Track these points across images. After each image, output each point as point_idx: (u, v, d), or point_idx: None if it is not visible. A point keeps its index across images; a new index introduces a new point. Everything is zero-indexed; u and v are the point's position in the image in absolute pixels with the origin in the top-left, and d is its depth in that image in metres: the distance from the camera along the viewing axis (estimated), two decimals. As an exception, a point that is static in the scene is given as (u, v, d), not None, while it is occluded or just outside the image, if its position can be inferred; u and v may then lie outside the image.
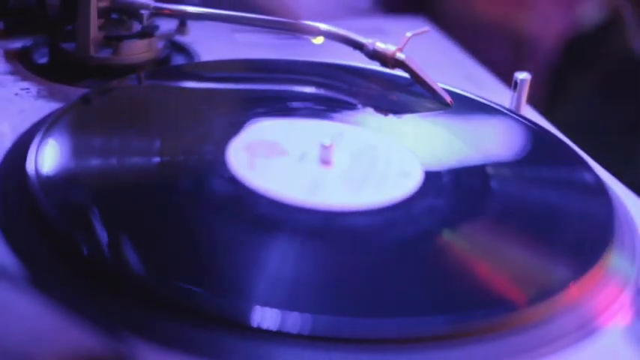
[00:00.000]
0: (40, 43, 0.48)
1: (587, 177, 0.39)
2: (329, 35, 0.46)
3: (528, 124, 0.43)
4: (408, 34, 0.45)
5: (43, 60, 0.47)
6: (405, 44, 0.45)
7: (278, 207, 0.34)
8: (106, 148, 0.36)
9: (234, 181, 0.35)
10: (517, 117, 0.44)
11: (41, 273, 0.29)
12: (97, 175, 0.35)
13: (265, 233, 0.32)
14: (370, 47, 0.46)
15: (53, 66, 0.46)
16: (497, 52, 0.77)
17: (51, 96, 0.42)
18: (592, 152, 0.43)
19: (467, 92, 0.46)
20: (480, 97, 0.45)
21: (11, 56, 0.46)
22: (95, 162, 0.36)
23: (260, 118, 0.40)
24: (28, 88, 0.43)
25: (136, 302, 0.28)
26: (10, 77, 0.44)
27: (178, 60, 0.49)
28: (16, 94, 0.42)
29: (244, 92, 0.44)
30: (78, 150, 0.37)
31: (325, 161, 0.37)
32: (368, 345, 0.28)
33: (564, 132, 0.46)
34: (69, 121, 0.38)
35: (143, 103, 0.42)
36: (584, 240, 0.34)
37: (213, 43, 0.51)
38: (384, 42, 0.45)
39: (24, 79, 0.44)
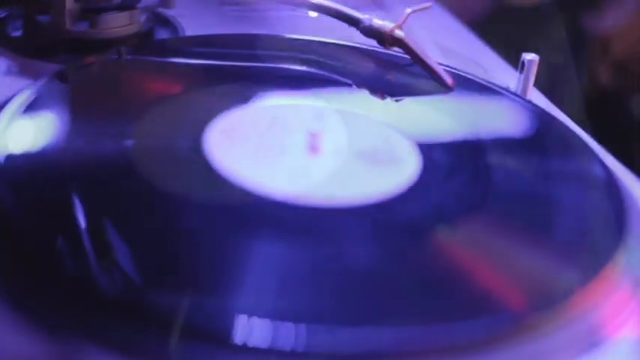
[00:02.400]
0: (14, 15, 0.45)
1: (595, 167, 0.36)
2: (321, 9, 0.43)
3: (533, 108, 0.40)
4: (408, 10, 0.42)
5: (17, 33, 0.44)
6: (404, 21, 0.42)
7: (257, 201, 0.31)
8: (77, 132, 0.34)
9: (210, 172, 0.32)
10: (522, 101, 0.41)
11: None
12: (55, 162, 0.32)
13: (246, 232, 0.29)
14: (367, 23, 0.42)
15: (27, 40, 0.43)
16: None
17: (22, 72, 0.40)
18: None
19: (470, 74, 0.43)
20: (483, 80, 0.42)
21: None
22: (61, 147, 0.33)
23: (245, 99, 0.38)
24: (-3, 64, 0.40)
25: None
26: (-22, 51, 0.41)
27: (162, 34, 0.46)
28: (-16, 70, 0.39)
29: (229, 70, 0.41)
30: (43, 134, 0.34)
31: (313, 149, 0.34)
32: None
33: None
34: (38, 100, 0.35)
35: (122, 82, 0.39)
36: (592, 240, 0.32)
37: (200, 16, 0.48)
38: (383, 18, 0.42)
39: (-5, 54, 0.41)
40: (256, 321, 0.25)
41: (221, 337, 0.25)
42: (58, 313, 0.25)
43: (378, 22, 0.42)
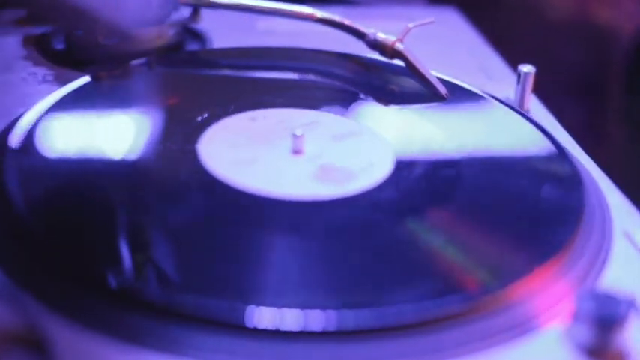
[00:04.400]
0: (58, 30, 0.49)
1: (564, 168, 0.38)
2: (328, 23, 0.46)
3: (522, 117, 0.42)
4: (410, 25, 0.45)
5: (60, 47, 0.49)
6: (405, 35, 0.45)
7: (240, 197, 0.34)
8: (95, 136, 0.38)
9: (203, 174, 0.36)
10: (512, 110, 0.43)
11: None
12: (69, 164, 0.36)
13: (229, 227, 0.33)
14: (371, 37, 0.46)
15: (66, 52, 0.48)
16: (566, 50, 0.75)
17: (55, 80, 0.44)
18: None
19: (462, 82, 0.45)
20: (476, 89, 0.45)
21: (29, 42, 0.48)
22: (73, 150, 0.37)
23: (249, 108, 0.41)
24: (35, 73, 0.45)
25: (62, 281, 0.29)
26: (21, 62, 0.46)
27: (192, 47, 0.50)
28: (23, 79, 0.44)
29: (246, 80, 0.45)
30: (63, 139, 0.38)
31: (296, 151, 0.38)
32: (319, 337, 0.28)
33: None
34: (62, 105, 0.40)
35: (141, 90, 0.44)
36: (543, 236, 0.34)
37: (228, 30, 0.52)
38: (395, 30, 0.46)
39: (35, 64, 0.46)
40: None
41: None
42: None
43: (382, 35, 0.45)
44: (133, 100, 0.42)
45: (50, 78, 0.44)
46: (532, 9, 0.78)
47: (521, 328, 0.30)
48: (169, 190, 0.35)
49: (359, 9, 0.61)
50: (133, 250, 0.31)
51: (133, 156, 0.37)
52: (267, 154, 0.37)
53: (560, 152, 0.39)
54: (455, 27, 0.57)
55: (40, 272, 0.30)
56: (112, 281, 0.29)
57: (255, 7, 0.47)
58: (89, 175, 0.35)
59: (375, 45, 0.45)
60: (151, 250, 0.32)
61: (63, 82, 0.44)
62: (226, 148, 0.37)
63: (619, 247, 0.34)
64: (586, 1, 0.79)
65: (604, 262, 0.33)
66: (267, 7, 0.47)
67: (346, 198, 0.35)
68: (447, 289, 0.30)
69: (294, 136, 0.38)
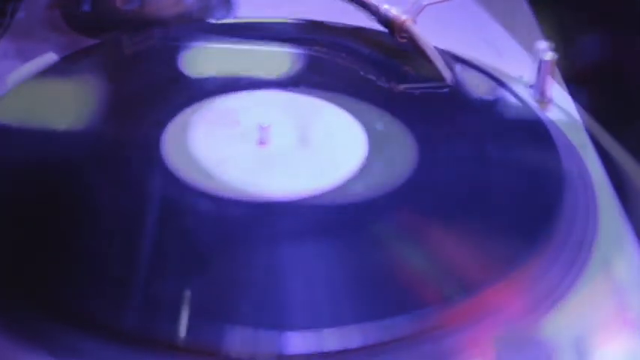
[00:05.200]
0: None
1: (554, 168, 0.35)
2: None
3: (525, 107, 0.39)
4: (424, 2, 0.42)
5: (87, 8, 0.48)
6: (417, 13, 0.42)
7: (203, 197, 0.33)
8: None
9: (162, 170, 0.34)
10: (516, 99, 0.40)
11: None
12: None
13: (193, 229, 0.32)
14: (383, 12, 0.43)
15: (85, 17, 0.47)
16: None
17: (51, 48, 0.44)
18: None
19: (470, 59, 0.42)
20: (486, 69, 0.42)
21: (54, 4, 0.49)
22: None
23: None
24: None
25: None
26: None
27: (217, 14, 0.49)
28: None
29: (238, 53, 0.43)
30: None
31: (262, 142, 0.36)
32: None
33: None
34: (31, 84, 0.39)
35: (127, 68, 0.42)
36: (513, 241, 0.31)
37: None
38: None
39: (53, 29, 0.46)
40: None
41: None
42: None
43: (394, 11, 0.42)
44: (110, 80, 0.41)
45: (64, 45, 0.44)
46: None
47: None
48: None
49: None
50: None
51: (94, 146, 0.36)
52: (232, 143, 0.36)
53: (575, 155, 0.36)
54: (462, 3, 0.53)
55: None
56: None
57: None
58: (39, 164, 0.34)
59: (385, 21, 0.43)
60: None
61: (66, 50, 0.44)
62: (195, 136, 0.36)
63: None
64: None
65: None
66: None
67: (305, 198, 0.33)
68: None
69: (261, 127, 0.36)
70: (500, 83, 0.41)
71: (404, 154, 0.35)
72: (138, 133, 0.36)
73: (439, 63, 0.41)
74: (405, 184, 0.34)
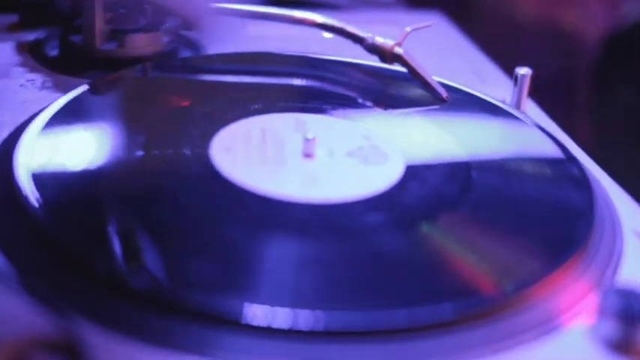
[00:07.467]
0: (52, 36, 0.49)
1: (573, 172, 0.39)
2: (327, 28, 0.47)
3: (520, 119, 0.43)
4: (408, 29, 0.46)
5: (54, 52, 0.48)
6: (403, 39, 0.46)
7: (260, 202, 0.34)
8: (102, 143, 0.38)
9: (215, 176, 0.36)
10: (510, 112, 0.44)
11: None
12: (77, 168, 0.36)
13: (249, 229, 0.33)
14: (369, 41, 0.46)
15: (61, 58, 0.47)
16: (535, 49, 0.76)
17: (55, 87, 0.44)
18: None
19: (463, 86, 0.46)
20: (476, 92, 0.46)
21: (23, 48, 0.48)
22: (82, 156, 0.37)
23: (253, 113, 0.41)
24: (33, 80, 0.44)
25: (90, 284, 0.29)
26: (18, 69, 0.46)
27: (185, 54, 0.50)
28: (21, 85, 0.44)
29: (242, 86, 0.45)
30: (67, 143, 0.38)
31: (307, 154, 0.38)
32: (336, 337, 0.29)
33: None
34: (63, 112, 0.39)
35: (144, 95, 0.43)
36: (558, 238, 0.34)
37: (222, 36, 0.52)
38: (393, 35, 0.46)
39: (32, 70, 0.45)
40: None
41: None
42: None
43: (380, 40, 0.46)
44: (133, 108, 0.42)
45: (49, 84, 0.44)
46: (503, 13, 0.80)
47: (546, 327, 0.30)
48: (187, 195, 0.35)
49: (342, 14, 0.62)
50: (163, 254, 0.31)
51: (148, 161, 0.37)
52: (279, 157, 0.37)
53: (567, 154, 0.40)
54: (443, 31, 0.58)
55: (70, 278, 0.30)
56: (140, 284, 0.29)
57: (256, 13, 0.47)
58: (103, 183, 0.35)
59: (374, 49, 0.46)
60: (178, 253, 0.32)
61: (62, 88, 0.43)
62: (238, 152, 0.37)
63: (630, 245, 0.35)
64: (553, 4, 0.80)
65: (618, 260, 0.34)
66: (269, 13, 0.47)
67: (356, 201, 0.35)
68: (472, 292, 0.31)
69: (306, 140, 0.38)
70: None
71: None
72: (189, 152, 0.37)
73: (433, 82, 0.44)
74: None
